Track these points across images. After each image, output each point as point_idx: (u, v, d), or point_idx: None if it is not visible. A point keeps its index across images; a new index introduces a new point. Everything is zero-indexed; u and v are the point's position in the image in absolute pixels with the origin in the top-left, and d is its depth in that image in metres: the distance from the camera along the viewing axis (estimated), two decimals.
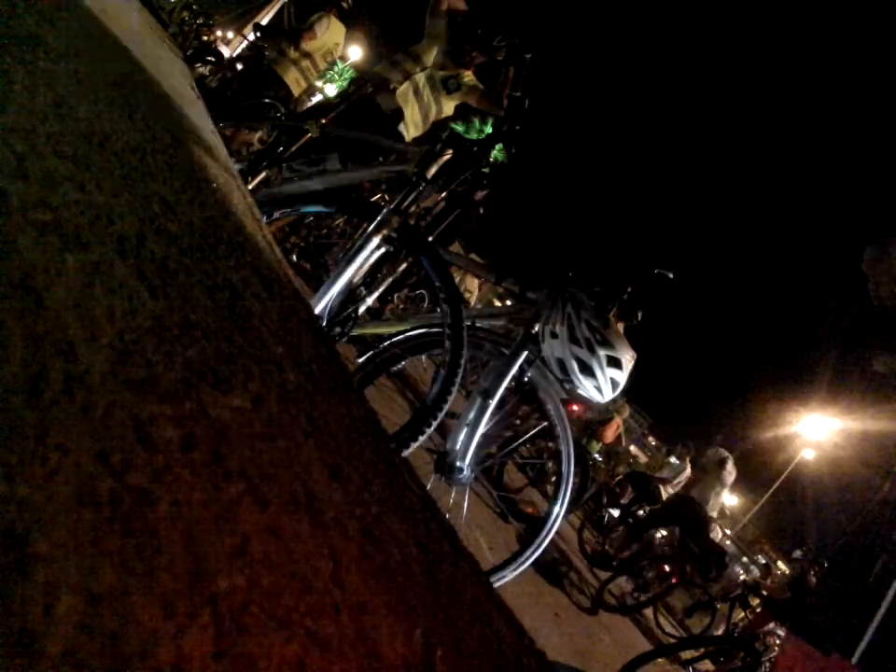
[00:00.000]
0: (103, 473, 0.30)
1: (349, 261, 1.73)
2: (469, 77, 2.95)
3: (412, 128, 2.94)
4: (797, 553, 5.82)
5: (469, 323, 1.69)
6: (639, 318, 1.87)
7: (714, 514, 5.97)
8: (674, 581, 4.90)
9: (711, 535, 5.73)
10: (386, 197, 3.25)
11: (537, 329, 1.76)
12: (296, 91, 4.27)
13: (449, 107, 2.99)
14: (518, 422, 4.23)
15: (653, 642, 4.62)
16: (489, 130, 1.94)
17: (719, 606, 6.49)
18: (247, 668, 0.29)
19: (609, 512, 6.16)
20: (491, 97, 2.91)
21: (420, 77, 2.86)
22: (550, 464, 4.14)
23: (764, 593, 5.89)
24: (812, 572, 5.32)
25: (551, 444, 4.02)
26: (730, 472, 5.59)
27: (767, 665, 3.70)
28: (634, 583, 5.14)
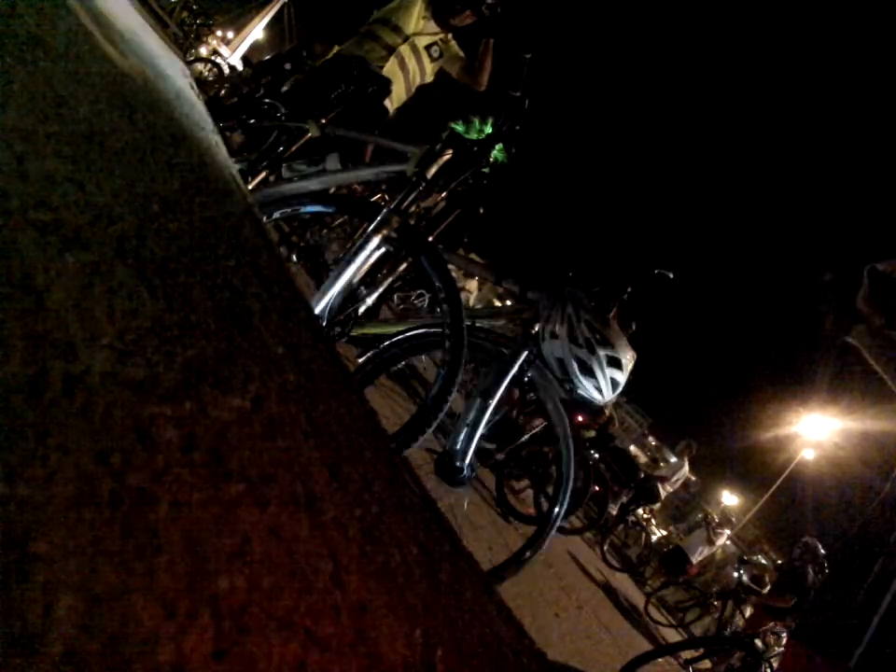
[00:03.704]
0: (103, 473, 0.30)
1: (349, 261, 1.73)
2: (449, 44, 2.84)
3: (395, 101, 2.85)
4: (796, 553, 5.81)
5: (469, 323, 1.69)
6: (633, 328, 1.87)
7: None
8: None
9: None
10: (386, 197, 3.24)
11: (537, 328, 1.76)
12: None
13: (430, 74, 2.90)
14: (518, 423, 4.23)
15: (653, 642, 4.62)
16: (489, 130, 1.94)
17: (716, 603, 6.53)
18: (247, 668, 0.29)
19: (609, 512, 6.18)
20: (472, 70, 2.82)
21: (405, 49, 2.75)
22: (552, 466, 4.16)
23: (761, 599, 5.89)
24: (814, 570, 5.30)
25: (551, 445, 4.02)
26: None
27: (767, 665, 3.69)
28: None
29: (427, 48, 2.80)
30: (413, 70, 2.82)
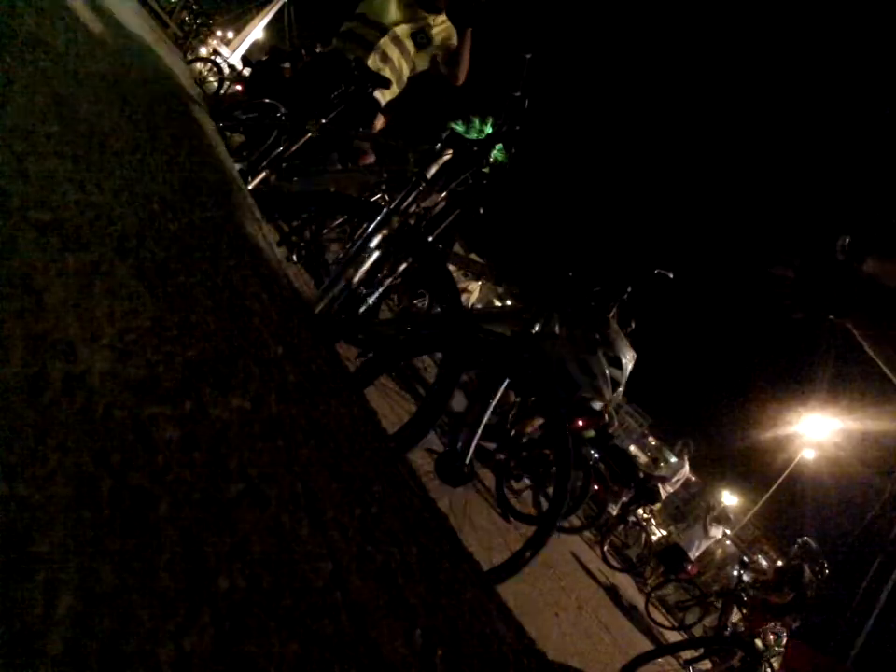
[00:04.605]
0: (103, 473, 0.30)
1: (349, 261, 1.73)
2: (438, 28, 2.75)
3: (388, 94, 2.81)
4: (794, 551, 5.81)
5: (468, 323, 1.68)
6: (633, 326, 1.87)
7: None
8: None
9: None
10: (386, 197, 3.23)
11: (537, 328, 1.76)
12: None
13: (422, 61, 2.83)
14: (518, 423, 4.22)
15: (653, 642, 4.62)
16: (489, 130, 1.94)
17: (716, 603, 6.53)
18: (247, 668, 0.29)
19: (609, 512, 6.18)
20: (451, 62, 2.75)
21: (385, 42, 2.67)
22: (552, 466, 4.16)
23: (759, 594, 5.88)
24: (813, 569, 5.31)
25: (551, 445, 4.02)
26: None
27: (767, 665, 3.69)
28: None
29: (413, 36, 2.72)
30: (399, 61, 2.75)
